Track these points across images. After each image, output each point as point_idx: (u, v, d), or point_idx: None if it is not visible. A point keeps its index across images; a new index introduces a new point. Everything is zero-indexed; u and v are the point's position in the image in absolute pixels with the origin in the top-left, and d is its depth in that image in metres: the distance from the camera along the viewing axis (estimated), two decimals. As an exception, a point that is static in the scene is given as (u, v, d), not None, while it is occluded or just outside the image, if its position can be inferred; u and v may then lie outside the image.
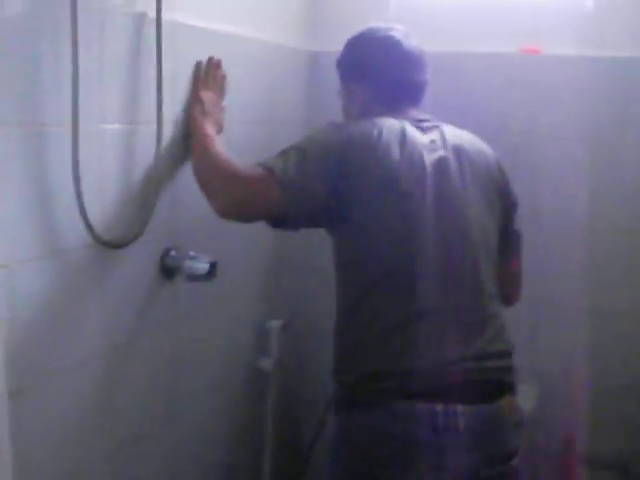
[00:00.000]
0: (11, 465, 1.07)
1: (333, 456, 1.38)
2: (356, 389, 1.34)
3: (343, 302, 1.39)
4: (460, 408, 1.24)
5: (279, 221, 1.36)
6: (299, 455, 2.13)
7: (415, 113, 1.46)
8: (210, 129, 1.47)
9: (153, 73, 1.35)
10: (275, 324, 1.94)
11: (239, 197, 1.34)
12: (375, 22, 1.58)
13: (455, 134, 1.44)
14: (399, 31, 1.51)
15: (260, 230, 1.49)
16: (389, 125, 1.36)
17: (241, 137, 1.72)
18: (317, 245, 1.58)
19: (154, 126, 1.36)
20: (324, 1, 2.16)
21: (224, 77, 1.60)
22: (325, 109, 1.69)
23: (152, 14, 1.34)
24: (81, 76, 1.13)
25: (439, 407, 1.24)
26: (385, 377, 1.29)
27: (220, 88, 1.59)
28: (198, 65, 1.53)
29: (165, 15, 1.36)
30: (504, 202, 1.47)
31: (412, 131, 1.37)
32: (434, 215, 1.32)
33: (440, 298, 1.32)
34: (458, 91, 1.97)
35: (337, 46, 1.58)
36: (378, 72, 1.49)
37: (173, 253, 1.48)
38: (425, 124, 1.42)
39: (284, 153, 1.34)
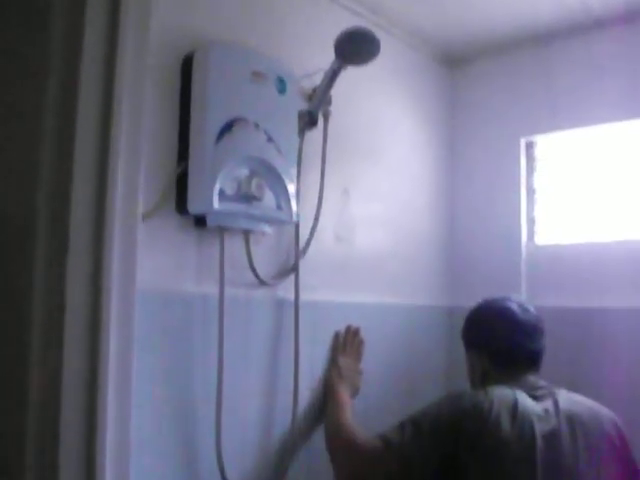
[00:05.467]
0: None
1: None
2: None
3: None
4: None
5: None
6: None
7: (532, 380, 1.53)
8: (344, 393, 1.66)
9: (292, 347, 1.61)
10: None
11: (357, 470, 1.46)
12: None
13: (570, 400, 1.47)
14: (515, 302, 1.63)
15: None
16: (501, 396, 1.44)
17: (381, 393, 1.89)
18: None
19: (291, 396, 1.59)
20: (459, 260, 2.36)
21: (362, 342, 1.81)
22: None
23: (290, 296, 1.63)
24: (227, 357, 1.41)
25: None
26: None
27: (358, 353, 1.80)
28: (336, 335, 1.77)
29: (304, 296, 1.64)
30: (624, 469, 1.44)
31: (525, 401, 1.43)
32: None
33: None
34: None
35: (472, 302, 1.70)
36: (493, 342, 1.61)
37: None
38: (539, 392, 1.48)
39: (401, 426, 1.45)
